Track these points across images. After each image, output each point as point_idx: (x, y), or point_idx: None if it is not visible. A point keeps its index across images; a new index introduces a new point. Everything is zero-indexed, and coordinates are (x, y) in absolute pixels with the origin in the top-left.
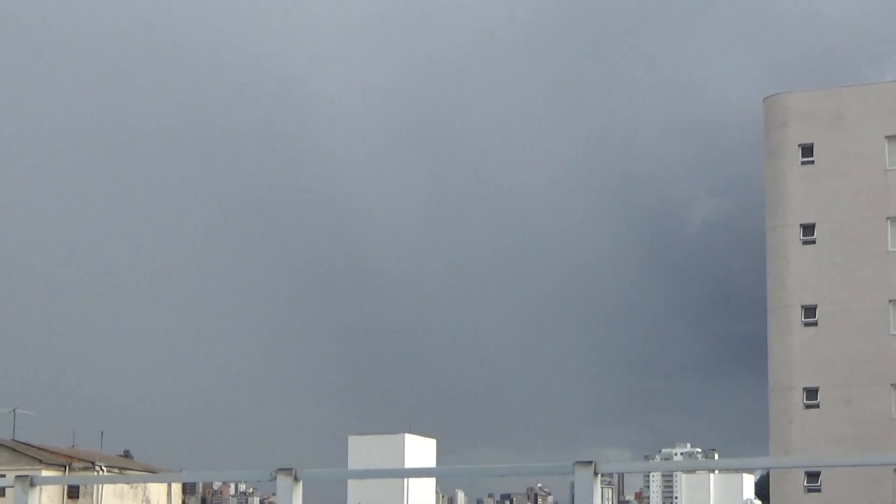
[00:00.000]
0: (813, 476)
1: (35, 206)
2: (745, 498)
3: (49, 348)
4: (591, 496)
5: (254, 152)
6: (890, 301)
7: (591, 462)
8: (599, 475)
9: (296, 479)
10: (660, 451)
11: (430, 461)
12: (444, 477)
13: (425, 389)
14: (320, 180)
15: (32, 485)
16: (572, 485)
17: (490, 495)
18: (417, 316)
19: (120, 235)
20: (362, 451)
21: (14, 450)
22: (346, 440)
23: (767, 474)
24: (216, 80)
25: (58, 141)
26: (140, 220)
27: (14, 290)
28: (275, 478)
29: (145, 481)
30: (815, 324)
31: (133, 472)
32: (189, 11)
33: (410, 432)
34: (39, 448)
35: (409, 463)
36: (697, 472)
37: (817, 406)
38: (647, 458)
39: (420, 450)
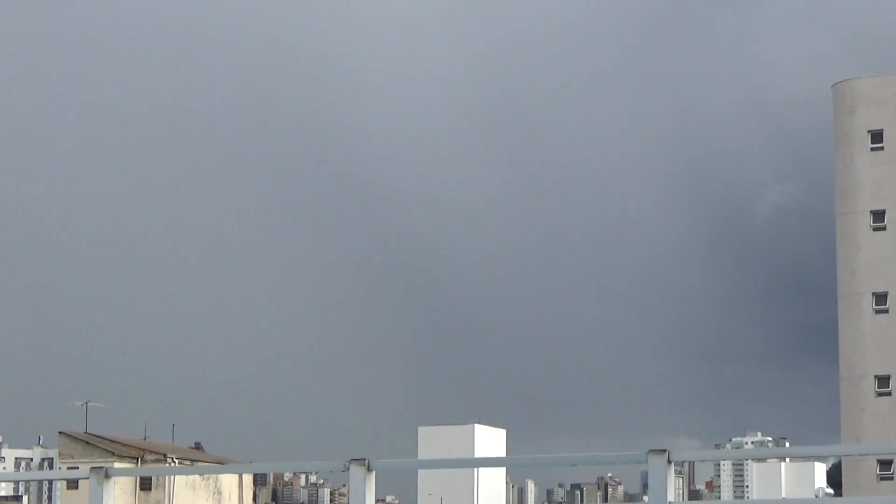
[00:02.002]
0: (886, 463)
1: (106, 202)
2: (816, 486)
3: (121, 342)
4: (665, 484)
5: (327, 143)
6: None
7: (664, 451)
8: (673, 463)
9: (368, 470)
10: (730, 440)
11: (500, 451)
12: (515, 467)
13: (495, 379)
14: (395, 168)
15: (107, 476)
16: (643, 474)
17: (560, 485)
18: (488, 306)
19: (190, 230)
20: (432, 441)
21: (87, 442)
22: (416, 431)
23: (839, 462)
24: (282, 70)
25: (121, 136)
26: (211, 215)
27: (87, 285)
28: (348, 468)
29: (217, 472)
30: (886, 311)
31: (204, 463)
32: (258, 2)
33: (480, 422)
34: (112, 440)
35: (479, 453)
36: (768, 460)
37: (889, 394)
38: (717, 446)
39: (490, 440)
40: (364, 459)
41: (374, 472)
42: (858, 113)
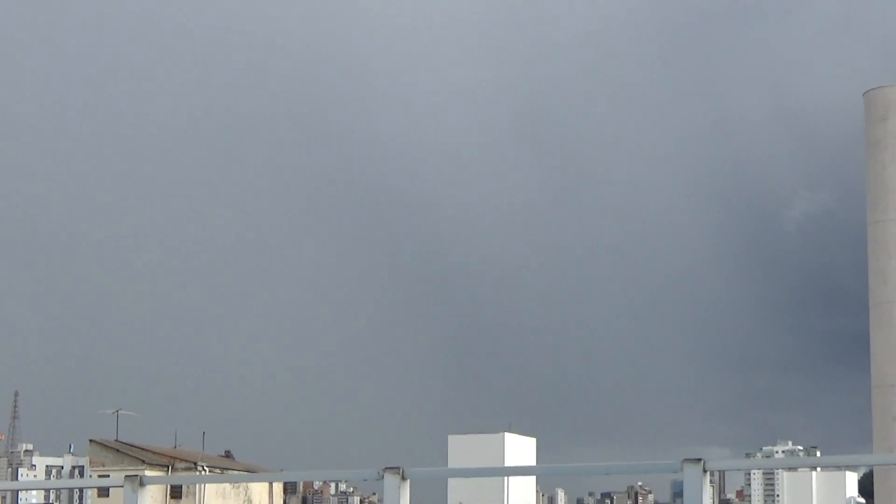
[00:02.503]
0: None
1: (137, 211)
2: (848, 496)
3: (152, 350)
4: (701, 494)
5: (360, 151)
6: None
7: (699, 460)
8: (708, 473)
9: (403, 478)
10: (761, 449)
11: (530, 459)
12: (547, 476)
13: (525, 388)
14: (428, 178)
15: (142, 484)
16: (674, 483)
17: (590, 494)
18: (517, 314)
19: (222, 240)
20: (462, 449)
21: (118, 450)
22: (446, 439)
23: (871, 472)
24: (323, 78)
25: (171, 144)
26: (243, 225)
27: (118, 294)
28: (382, 477)
29: (248, 481)
30: None
31: (234, 471)
32: (293, 10)
33: (510, 431)
34: (142, 448)
35: (509, 461)
36: (799, 469)
37: None
38: (748, 455)
39: (520, 448)
40: (398, 468)
41: (408, 481)
42: (891, 120)
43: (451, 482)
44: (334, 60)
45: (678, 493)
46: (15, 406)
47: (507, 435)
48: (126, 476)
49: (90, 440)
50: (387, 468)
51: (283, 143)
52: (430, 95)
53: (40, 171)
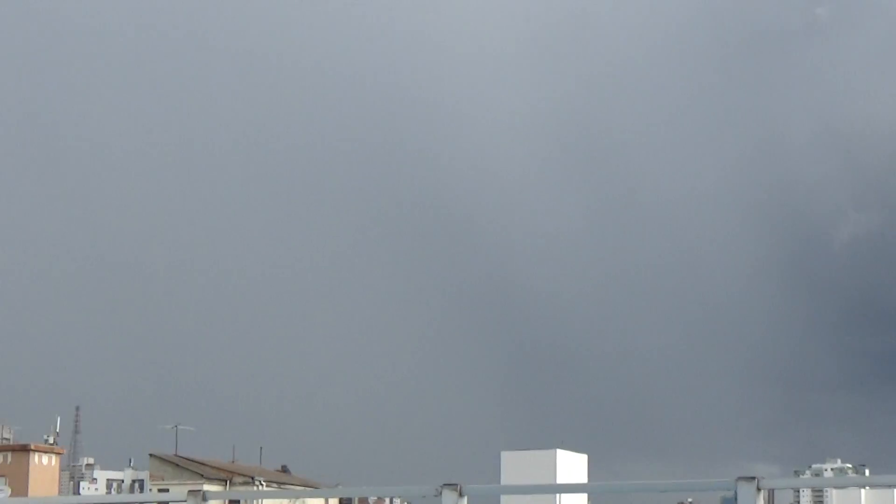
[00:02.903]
0: None
1: (202, 240)
2: None
3: (209, 365)
4: None
5: (422, 180)
6: None
7: (754, 478)
8: (763, 491)
9: (461, 494)
10: (810, 466)
11: (582, 476)
12: (602, 493)
13: (576, 405)
14: (484, 207)
15: (204, 500)
16: (723, 499)
17: None
18: (569, 333)
19: (282, 265)
20: (514, 466)
21: (176, 464)
22: (499, 456)
23: None
24: (388, 108)
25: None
26: (304, 251)
27: (174, 307)
28: (440, 493)
29: (308, 496)
30: None
31: (291, 486)
32: (360, 43)
33: (562, 448)
34: (201, 462)
35: (561, 478)
36: (849, 487)
37: None
38: (796, 472)
39: (571, 465)
40: (456, 484)
41: (465, 497)
42: None
43: (504, 498)
44: (399, 91)
45: None
46: (76, 421)
47: (559, 451)
48: (189, 491)
49: (150, 454)
50: (445, 484)
51: (351, 172)
52: (489, 125)
53: (114, 202)
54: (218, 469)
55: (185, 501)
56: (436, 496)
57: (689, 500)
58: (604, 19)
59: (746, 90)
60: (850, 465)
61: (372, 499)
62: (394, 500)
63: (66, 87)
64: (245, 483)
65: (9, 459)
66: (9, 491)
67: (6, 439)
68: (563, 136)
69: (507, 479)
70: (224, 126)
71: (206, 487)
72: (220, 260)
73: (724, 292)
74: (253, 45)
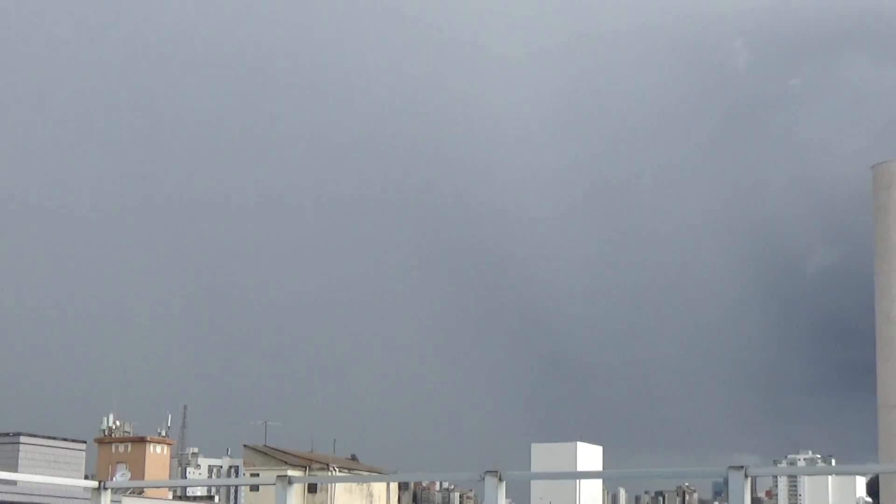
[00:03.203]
0: None
1: (281, 263)
2: (857, 496)
3: (293, 373)
4: (743, 496)
5: (458, 220)
6: None
7: (742, 467)
8: (750, 478)
9: (500, 480)
10: (786, 457)
11: (598, 464)
12: (615, 479)
13: (593, 405)
14: (513, 240)
15: (290, 483)
16: (714, 483)
17: (646, 492)
18: (586, 346)
19: (348, 287)
20: (542, 455)
21: (266, 453)
22: (529, 446)
23: (877, 477)
24: (415, 157)
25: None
26: (364, 276)
27: (264, 326)
28: (483, 479)
29: (372, 481)
30: None
31: (359, 472)
32: (399, 98)
33: (581, 441)
34: (285, 452)
35: (581, 466)
36: (819, 474)
37: None
38: (775, 462)
39: (590, 455)
40: (496, 471)
41: (504, 482)
42: (894, 188)
43: (533, 484)
44: (441, 149)
45: (718, 491)
46: (184, 417)
47: (579, 444)
48: (277, 476)
49: (244, 445)
50: (487, 471)
51: (406, 220)
52: (519, 176)
53: (222, 247)
54: (299, 457)
55: (274, 484)
56: (479, 481)
57: (686, 483)
58: (618, 90)
59: (732, 146)
60: (819, 456)
61: (425, 482)
62: (442, 483)
63: (194, 158)
64: (321, 469)
65: (129, 449)
66: (129, 475)
67: (127, 432)
68: (583, 184)
69: (536, 465)
70: (308, 186)
71: (290, 472)
72: (302, 291)
73: (714, 312)
74: (327, 120)
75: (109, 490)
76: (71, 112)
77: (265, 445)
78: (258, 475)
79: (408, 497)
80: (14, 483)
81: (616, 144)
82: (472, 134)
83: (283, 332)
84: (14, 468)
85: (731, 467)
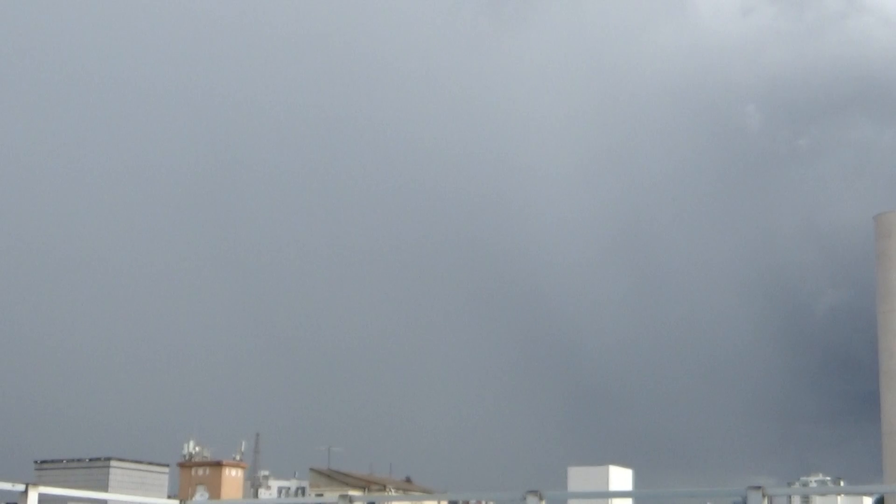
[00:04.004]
0: None
1: (333, 303)
2: None
3: (352, 401)
4: None
5: (500, 267)
6: None
7: (760, 487)
8: (766, 497)
9: (540, 499)
10: (799, 479)
11: (628, 486)
12: (644, 498)
13: (623, 431)
14: (538, 281)
15: (351, 502)
16: (734, 502)
17: None
18: (613, 377)
19: (398, 325)
20: (577, 478)
21: (329, 476)
22: (566, 470)
23: (882, 497)
24: (469, 207)
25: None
26: (412, 314)
27: (326, 360)
28: (525, 498)
29: (424, 500)
30: None
31: (412, 492)
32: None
33: (613, 464)
34: (346, 474)
35: (612, 487)
36: (829, 494)
37: None
38: (790, 484)
39: (621, 477)
40: (537, 491)
41: (545, 501)
42: (893, 236)
43: (572, 502)
44: (477, 198)
45: None
46: (256, 443)
47: (612, 467)
48: (340, 495)
49: (310, 468)
50: (528, 491)
51: (449, 262)
52: (550, 224)
53: (282, 291)
54: (359, 479)
55: (337, 502)
56: (521, 500)
57: (709, 502)
58: (641, 149)
59: (745, 198)
60: (829, 478)
61: (472, 501)
62: (488, 502)
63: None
64: (379, 489)
65: (207, 472)
66: (207, 495)
67: (205, 457)
68: (611, 233)
69: (572, 487)
70: (365, 234)
71: (351, 493)
72: (363, 331)
73: (730, 348)
74: (389, 179)
75: None
76: (164, 179)
77: (329, 469)
78: (322, 495)
79: None
80: (104, 502)
81: (640, 197)
82: (510, 189)
83: (346, 366)
84: (105, 489)
85: (749, 487)
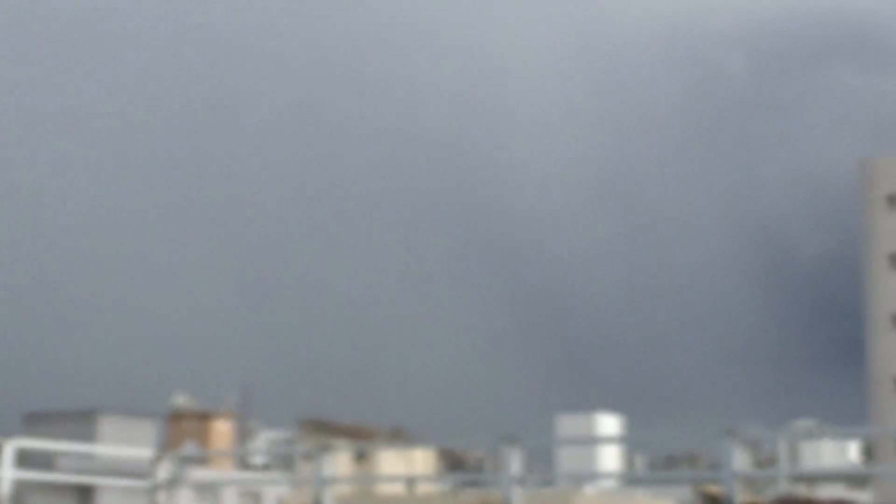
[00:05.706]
0: None
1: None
2: (849, 455)
3: (343, 350)
4: (730, 455)
5: (485, 217)
6: None
7: (733, 428)
8: (739, 438)
9: (514, 443)
10: (784, 423)
11: (617, 432)
12: (632, 446)
13: (611, 378)
14: (525, 231)
15: (333, 450)
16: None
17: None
18: (602, 327)
19: (391, 257)
20: (567, 425)
21: (317, 426)
22: (551, 418)
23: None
24: (457, 160)
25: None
26: (402, 248)
27: (316, 307)
28: (505, 443)
29: (409, 448)
30: None
31: (401, 441)
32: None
33: (601, 411)
34: (334, 424)
35: (601, 434)
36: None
37: None
38: (776, 429)
39: (608, 424)
40: (512, 435)
41: (517, 447)
42: (878, 182)
43: (560, 451)
44: (467, 149)
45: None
46: (245, 394)
47: (598, 414)
48: (323, 444)
49: (297, 419)
50: (502, 436)
51: (436, 213)
52: (534, 171)
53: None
54: (348, 428)
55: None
56: (503, 446)
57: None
58: (625, 97)
59: (731, 145)
60: (814, 420)
61: (461, 449)
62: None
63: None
64: (368, 439)
65: (195, 424)
66: (195, 448)
67: (194, 409)
68: (594, 178)
69: (559, 434)
70: (349, 183)
71: (337, 442)
72: (352, 280)
73: (717, 294)
74: (386, 128)
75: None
76: (148, 128)
77: (317, 418)
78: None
79: (442, 461)
80: (92, 455)
81: (623, 145)
82: (493, 140)
83: (335, 317)
84: (93, 441)
85: (724, 430)
